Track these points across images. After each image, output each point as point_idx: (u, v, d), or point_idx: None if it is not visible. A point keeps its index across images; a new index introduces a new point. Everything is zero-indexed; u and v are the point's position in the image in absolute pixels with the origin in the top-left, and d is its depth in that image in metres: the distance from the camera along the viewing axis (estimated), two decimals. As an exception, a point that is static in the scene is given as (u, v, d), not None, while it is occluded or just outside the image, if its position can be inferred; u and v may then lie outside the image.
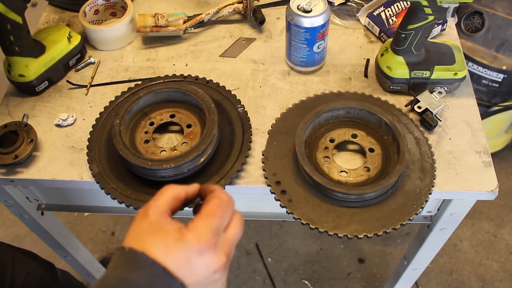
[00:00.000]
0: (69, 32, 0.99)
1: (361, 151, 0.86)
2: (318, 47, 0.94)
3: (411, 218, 0.77)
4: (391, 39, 0.92)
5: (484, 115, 1.75)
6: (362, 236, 0.75)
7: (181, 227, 0.50)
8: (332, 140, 0.86)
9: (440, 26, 1.04)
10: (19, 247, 1.07)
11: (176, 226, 0.50)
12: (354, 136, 0.86)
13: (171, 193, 0.53)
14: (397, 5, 1.06)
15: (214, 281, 0.51)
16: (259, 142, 0.88)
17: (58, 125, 0.92)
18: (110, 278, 0.47)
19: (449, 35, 1.06)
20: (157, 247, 0.48)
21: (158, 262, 0.47)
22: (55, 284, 1.10)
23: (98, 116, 0.91)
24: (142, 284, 0.46)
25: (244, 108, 0.90)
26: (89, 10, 1.07)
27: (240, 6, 1.07)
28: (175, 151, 0.84)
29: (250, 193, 0.87)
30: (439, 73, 0.90)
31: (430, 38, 1.01)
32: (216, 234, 0.50)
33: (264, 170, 0.82)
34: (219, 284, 0.52)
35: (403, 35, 0.87)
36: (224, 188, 0.80)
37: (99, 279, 0.49)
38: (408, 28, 0.85)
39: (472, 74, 1.65)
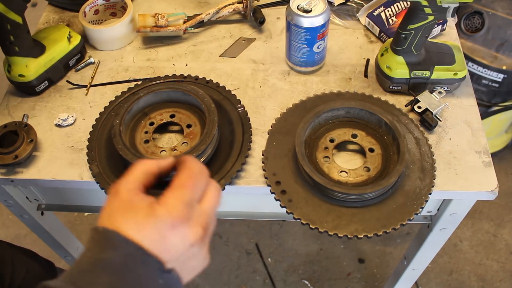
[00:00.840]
0: (69, 32, 0.99)
1: (361, 151, 0.86)
2: (318, 47, 0.94)
3: (411, 218, 0.77)
4: (391, 39, 0.92)
5: (484, 115, 1.75)
6: (362, 236, 0.75)
7: (152, 202, 0.48)
8: (332, 140, 0.86)
9: (440, 26, 1.04)
10: (19, 246, 1.07)
11: (147, 202, 0.48)
12: (354, 136, 0.86)
13: (142, 168, 0.52)
14: (397, 5, 1.06)
15: (193, 255, 0.49)
16: (259, 142, 0.88)
17: (58, 125, 0.92)
18: (84, 259, 0.46)
19: (449, 35, 1.06)
20: (128, 225, 0.47)
21: (131, 239, 0.46)
22: None
23: (98, 116, 0.91)
24: (117, 263, 0.45)
25: (244, 108, 0.90)
26: (89, 10, 1.07)
27: (240, 6, 1.07)
28: (175, 151, 0.84)
29: (250, 193, 0.87)
30: (439, 73, 0.90)
31: (430, 38, 1.01)
32: (188, 206, 0.49)
33: (264, 170, 0.82)
34: (199, 258, 0.50)
35: (403, 35, 0.87)
36: (224, 188, 0.80)
37: (75, 261, 0.48)
38: (408, 28, 0.85)
39: (472, 74, 1.65)
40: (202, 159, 0.81)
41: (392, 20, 1.04)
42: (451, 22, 1.07)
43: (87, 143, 0.86)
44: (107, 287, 0.44)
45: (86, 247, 0.48)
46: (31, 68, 0.93)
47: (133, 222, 0.47)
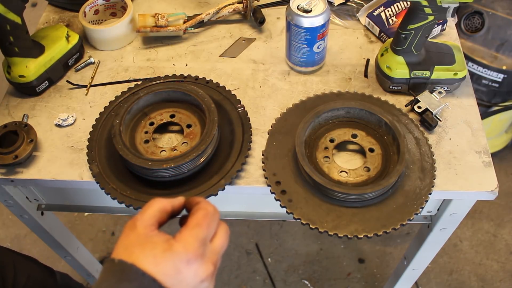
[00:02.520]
0: (67, 31, 0.99)
1: (361, 151, 0.86)
2: (318, 47, 0.94)
3: (411, 218, 0.77)
4: (391, 39, 0.92)
5: (484, 115, 1.75)
6: (362, 236, 0.75)
7: (169, 238, 0.51)
8: (332, 140, 0.86)
9: (440, 26, 1.04)
10: (19, 251, 1.07)
11: (164, 238, 0.51)
12: (354, 136, 0.86)
13: (158, 206, 0.55)
14: (397, 5, 1.06)
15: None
16: (259, 142, 0.88)
17: (58, 125, 0.92)
18: (104, 283, 0.48)
19: (449, 35, 1.06)
20: (146, 259, 0.49)
21: (148, 273, 0.48)
22: (55, 287, 1.10)
23: (98, 116, 0.91)
24: None
25: (244, 108, 0.90)
26: (89, 10, 1.07)
27: (240, 6, 1.07)
28: (175, 151, 0.84)
29: (250, 193, 0.87)
30: (439, 73, 0.90)
31: (430, 38, 1.01)
32: (203, 244, 0.52)
33: (264, 170, 0.82)
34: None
35: (403, 35, 0.87)
36: (224, 188, 0.80)
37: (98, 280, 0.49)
38: (408, 28, 0.85)
39: (472, 74, 1.65)
40: (202, 159, 0.81)
41: (392, 20, 1.04)
42: (451, 22, 1.07)
43: (87, 143, 0.86)
44: None
45: (101, 277, 0.50)
46: (31, 68, 0.93)
47: (151, 255, 0.49)
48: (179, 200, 0.57)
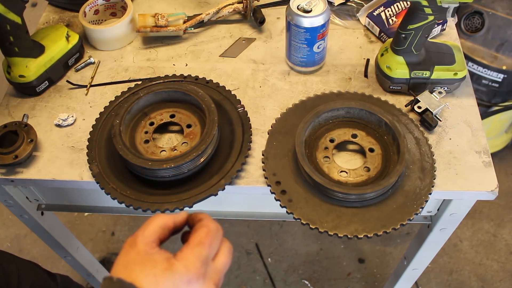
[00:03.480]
0: (67, 31, 0.99)
1: (361, 151, 0.86)
2: (318, 47, 0.94)
3: (411, 218, 0.77)
4: (391, 39, 0.92)
5: (484, 115, 1.75)
6: (362, 236, 0.75)
7: (170, 257, 0.50)
8: (332, 140, 0.86)
9: (440, 26, 1.04)
10: (19, 251, 1.07)
11: (165, 256, 0.50)
12: (354, 136, 0.86)
13: (159, 222, 0.53)
14: (397, 5, 1.06)
15: None
16: (259, 142, 0.88)
17: (58, 125, 0.92)
18: None
19: (449, 35, 1.06)
20: (145, 278, 0.48)
21: None
22: None
23: (98, 116, 0.91)
24: None
25: (244, 108, 0.90)
26: (89, 10, 1.07)
27: (240, 6, 1.07)
28: (175, 151, 0.84)
29: (250, 193, 0.87)
30: (439, 73, 0.90)
31: (430, 38, 1.01)
32: (205, 263, 0.50)
33: (264, 170, 0.82)
34: None
35: (403, 35, 0.87)
36: (224, 188, 0.80)
37: None
38: (408, 28, 0.85)
39: (472, 74, 1.65)
40: (202, 159, 0.81)
41: (392, 20, 1.04)
42: (451, 22, 1.07)
43: (87, 143, 0.86)
44: None
45: None
46: (31, 68, 0.93)
47: (151, 275, 0.48)
48: (181, 216, 0.56)
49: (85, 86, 0.99)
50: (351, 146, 0.88)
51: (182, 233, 0.55)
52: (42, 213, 1.06)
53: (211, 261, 0.52)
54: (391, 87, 0.93)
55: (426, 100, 0.88)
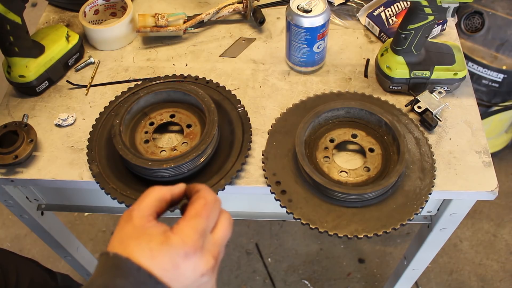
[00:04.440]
0: (67, 31, 0.99)
1: (361, 151, 0.86)
2: (318, 47, 0.94)
3: (411, 218, 0.77)
4: (391, 39, 0.92)
5: (484, 115, 1.75)
6: (362, 236, 0.75)
7: (166, 230, 0.48)
8: (332, 140, 0.86)
9: (440, 26, 1.04)
10: (19, 251, 1.07)
11: (161, 229, 0.48)
12: (354, 136, 0.86)
13: (156, 195, 0.52)
14: (397, 5, 1.06)
15: (203, 284, 0.49)
16: (259, 142, 0.88)
17: (58, 125, 0.92)
18: (95, 285, 0.46)
19: (449, 35, 1.06)
20: (141, 252, 0.47)
21: (144, 267, 0.46)
22: None
23: (98, 116, 0.91)
24: None
25: (244, 108, 0.90)
26: (89, 10, 1.07)
27: (240, 6, 1.07)
28: (175, 151, 0.84)
29: (250, 193, 0.87)
30: (439, 73, 0.90)
31: (430, 38, 1.01)
32: (202, 236, 0.49)
33: (264, 170, 0.82)
34: (208, 286, 0.50)
35: (403, 35, 0.87)
36: (224, 188, 0.80)
37: (84, 285, 0.47)
38: (408, 28, 0.85)
39: (472, 74, 1.65)
40: (202, 159, 0.81)
41: (392, 20, 1.04)
42: (451, 22, 1.07)
43: (87, 143, 0.86)
44: None
45: (96, 271, 0.47)
46: (31, 68, 0.93)
47: (147, 249, 0.47)
48: (179, 188, 0.54)
49: (85, 86, 0.99)
50: (351, 146, 0.88)
51: (181, 204, 0.54)
52: (42, 213, 1.06)
53: (210, 233, 0.51)
54: (391, 87, 0.93)
55: (426, 100, 0.88)
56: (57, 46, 0.97)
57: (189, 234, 0.48)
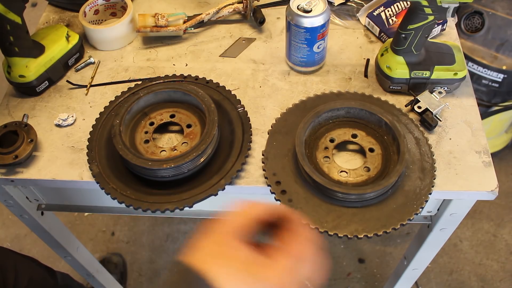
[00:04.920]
0: (67, 31, 0.99)
1: (361, 151, 0.86)
2: (318, 47, 0.94)
3: (411, 218, 0.77)
4: (391, 39, 0.92)
5: (484, 115, 1.75)
6: (362, 236, 0.75)
7: (258, 257, 0.44)
8: (332, 140, 0.86)
9: (440, 26, 1.04)
10: (19, 251, 1.07)
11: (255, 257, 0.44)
12: (354, 136, 0.86)
13: (249, 215, 0.47)
14: (397, 5, 1.06)
15: None
16: (259, 142, 0.88)
17: (58, 125, 0.92)
18: None
19: (449, 35, 1.06)
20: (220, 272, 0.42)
21: None
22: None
23: (98, 116, 0.91)
24: None
25: (244, 108, 0.90)
26: (89, 10, 1.07)
27: (240, 6, 1.07)
28: (175, 151, 0.84)
29: (250, 193, 0.87)
30: (439, 73, 0.90)
31: (430, 38, 1.01)
32: (291, 275, 0.44)
33: (264, 170, 0.82)
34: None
35: (403, 35, 0.87)
36: (224, 188, 0.80)
37: None
38: (408, 28, 0.85)
39: (472, 74, 1.65)
40: (202, 159, 0.81)
41: (392, 20, 1.04)
42: (451, 22, 1.07)
43: (87, 143, 0.86)
44: None
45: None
46: (31, 68, 0.93)
47: (227, 272, 0.43)
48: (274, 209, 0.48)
49: (85, 86, 0.99)
50: (351, 146, 0.88)
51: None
52: (42, 213, 1.06)
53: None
54: (391, 87, 0.93)
55: (426, 100, 0.88)
56: (57, 46, 0.97)
57: (281, 275, 0.44)
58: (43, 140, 0.90)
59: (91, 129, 0.89)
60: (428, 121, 0.87)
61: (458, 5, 0.81)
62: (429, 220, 0.99)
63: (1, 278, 0.94)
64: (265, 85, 0.97)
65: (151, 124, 0.88)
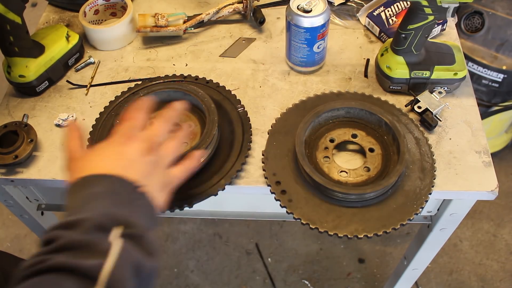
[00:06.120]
0: (67, 31, 0.99)
1: (361, 151, 0.86)
2: (318, 47, 0.94)
3: (411, 218, 0.77)
4: (391, 39, 0.92)
5: (484, 115, 1.75)
6: (362, 236, 0.75)
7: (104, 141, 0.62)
8: (332, 140, 0.86)
9: (440, 26, 1.04)
10: (19, 251, 1.07)
11: (101, 142, 0.61)
12: (354, 136, 0.86)
13: (74, 137, 0.64)
14: (397, 5, 1.06)
15: (150, 166, 0.60)
16: (259, 142, 0.88)
17: (58, 125, 0.92)
18: (74, 202, 0.55)
19: (449, 35, 1.06)
20: (96, 163, 0.58)
21: (107, 173, 0.56)
22: None
23: (98, 116, 0.91)
24: (105, 193, 0.55)
25: (244, 108, 0.90)
26: (89, 10, 1.07)
27: (240, 6, 1.07)
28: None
29: (250, 193, 0.87)
30: (439, 73, 0.90)
31: (430, 38, 1.01)
32: (133, 129, 0.62)
33: (264, 170, 0.82)
34: (158, 172, 0.61)
35: (403, 35, 0.87)
36: (224, 188, 0.80)
37: (64, 212, 0.55)
38: (408, 28, 0.85)
39: (472, 74, 1.65)
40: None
41: (392, 20, 1.04)
42: (451, 22, 1.07)
43: (87, 143, 0.86)
44: (102, 208, 0.53)
45: (70, 196, 0.57)
46: (31, 68, 0.93)
47: (96, 155, 0.60)
48: (76, 124, 0.67)
49: (85, 86, 0.99)
50: (351, 146, 0.88)
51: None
52: (42, 213, 1.06)
53: (141, 130, 0.62)
54: (391, 87, 0.93)
55: (426, 100, 0.88)
56: (57, 46, 0.97)
57: (122, 130, 0.62)
58: (43, 140, 0.90)
59: (91, 129, 0.89)
60: (428, 121, 0.87)
61: (458, 5, 0.81)
62: (429, 220, 0.99)
63: (3, 282, 0.94)
64: (265, 85, 0.97)
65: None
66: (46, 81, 0.97)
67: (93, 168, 0.57)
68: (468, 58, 1.63)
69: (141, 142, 0.61)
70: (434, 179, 0.80)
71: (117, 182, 0.56)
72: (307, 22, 0.89)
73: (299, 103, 0.91)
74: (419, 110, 0.88)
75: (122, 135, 0.61)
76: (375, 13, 1.05)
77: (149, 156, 0.60)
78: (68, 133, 0.65)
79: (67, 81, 1.00)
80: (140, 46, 1.06)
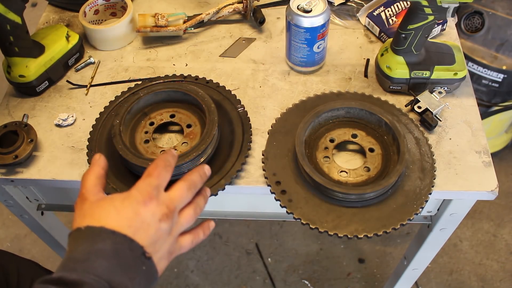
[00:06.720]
0: (67, 31, 0.99)
1: (361, 151, 0.86)
2: (318, 47, 0.94)
3: (411, 218, 0.77)
4: (391, 39, 0.92)
5: (484, 115, 1.75)
6: (362, 236, 0.75)
7: (123, 192, 0.57)
8: (332, 140, 0.86)
9: (440, 26, 1.04)
10: (19, 251, 1.07)
11: (119, 194, 0.57)
12: (354, 136, 0.86)
13: (93, 174, 0.61)
14: (397, 5, 1.06)
15: (163, 233, 0.57)
16: (259, 142, 0.88)
17: (58, 125, 0.92)
18: (77, 252, 0.52)
19: (449, 35, 1.06)
20: (108, 213, 0.55)
21: (117, 231, 0.53)
22: None
23: (98, 116, 0.91)
24: (109, 251, 0.52)
25: (244, 108, 0.90)
26: (89, 10, 1.07)
27: (240, 6, 1.07)
28: (176, 151, 0.84)
29: (250, 193, 0.87)
30: (439, 73, 0.90)
31: (430, 38, 1.01)
32: (155, 189, 0.58)
33: (264, 170, 0.82)
34: (169, 240, 0.58)
35: (403, 35, 0.87)
36: (224, 188, 0.80)
37: (64, 258, 0.52)
38: (408, 28, 0.85)
39: (472, 74, 1.65)
40: (202, 159, 0.81)
41: (392, 20, 1.04)
42: (451, 22, 1.07)
43: (87, 143, 0.86)
44: (104, 270, 0.51)
45: (73, 245, 0.53)
46: (31, 68, 0.93)
47: (112, 208, 0.55)
48: (101, 161, 0.63)
49: (85, 86, 0.99)
50: (351, 146, 0.88)
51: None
52: (42, 213, 1.06)
53: (164, 191, 0.59)
54: (391, 87, 0.93)
55: (426, 100, 0.88)
56: (57, 46, 0.97)
57: (144, 187, 0.58)
58: (43, 140, 0.90)
59: (91, 129, 0.89)
60: (428, 121, 0.87)
61: (458, 5, 0.81)
62: (429, 220, 0.99)
63: (4, 280, 0.94)
64: (265, 85, 0.97)
65: (151, 124, 0.88)
66: (46, 81, 0.97)
67: (104, 219, 0.54)
68: (468, 58, 1.63)
69: (160, 206, 0.57)
70: (434, 179, 0.80)
71: (126, 243, 0.53)
72: (307, 22, 0.89)
73: (299, 103, 0.91)
74: (419, 110, 0.88)
75: (143, 193, 0.57)
76: (375, 13, 1.05)
77: (165, 222, 0.57)
78: (91, 165, 0.62)
79: (67, 81, 1.00)
80: (140, 46, 1.06)
